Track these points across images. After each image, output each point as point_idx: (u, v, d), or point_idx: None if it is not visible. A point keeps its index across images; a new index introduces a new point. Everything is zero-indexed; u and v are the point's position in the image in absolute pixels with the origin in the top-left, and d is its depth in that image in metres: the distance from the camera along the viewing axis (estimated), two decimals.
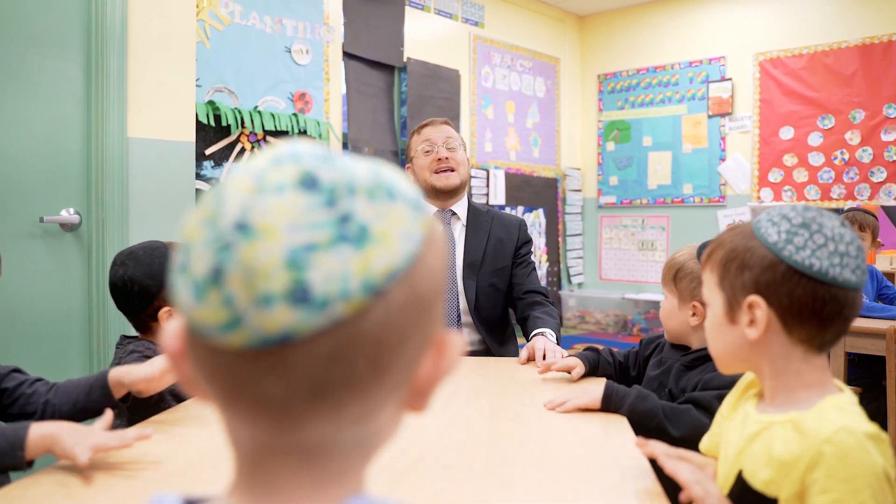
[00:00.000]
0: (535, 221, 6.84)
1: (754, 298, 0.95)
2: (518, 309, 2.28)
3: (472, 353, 2.21)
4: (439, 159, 2.26)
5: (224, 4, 4.50)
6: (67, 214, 2.44)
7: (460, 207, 2.34)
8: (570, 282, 7.33)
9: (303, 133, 4.87)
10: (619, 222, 7.21)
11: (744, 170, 6.28)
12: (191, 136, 2.68)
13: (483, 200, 6.32)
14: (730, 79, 6.36)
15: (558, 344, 2.04)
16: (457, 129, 6.00)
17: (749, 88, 6.27)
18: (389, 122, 5.58)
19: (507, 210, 6.52)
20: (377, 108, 5.48)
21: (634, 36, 7.04)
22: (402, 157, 5.56)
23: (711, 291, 1.03)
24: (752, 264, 0.95)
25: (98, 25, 2.45)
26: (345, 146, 5.25)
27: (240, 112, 4.49)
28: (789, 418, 0.94)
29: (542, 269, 6.90)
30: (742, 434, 1.01)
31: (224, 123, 4.40)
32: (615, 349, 1.87)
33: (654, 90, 6.87)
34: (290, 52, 4.85)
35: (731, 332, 1.00)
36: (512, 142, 6.70)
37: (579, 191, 7.37)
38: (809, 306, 0.92)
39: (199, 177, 4.33)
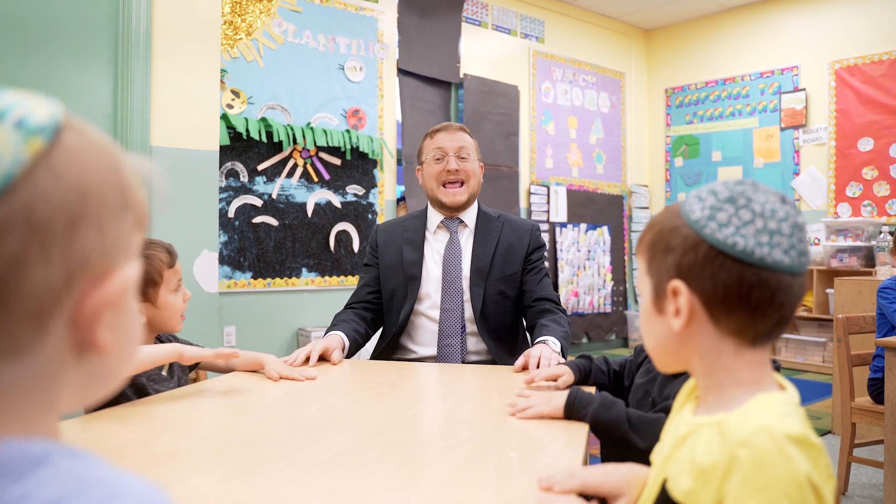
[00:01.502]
0: (600, 239, 6.68)
1: (676, 284, 0.83)
2: (528, 317, 2.18)
3: (477, 364, 2.12)
4: (448, 171, 2.18)
5: (277, 24, 4.60)
6: None
7: (468, 215, 2.25)
8: (636, 302, 7.09)
9: (355, 149, 4.90)
10: None
11: (819, 184, 5.93)
12: (215, 145, 2.70)
13: (543, 217, 6.22)
14: (803, 89, 6.05)
15: (563, 355, 1.93)
16: (515, 145, 6.03)
17: (824, 98, 5.94)
18: None
19: (570, 228, 6.39)
20: (432, 124, 5.45)
21: (703, 48, 6.81)
22: None
23: (641, 279, 0.92)
24: (674, 245, 0.84)
25: (123, 36, 2.51)
26: (399, 162, 5.25)
27: (292, 129, 4.57)
28: (716, 420, 0.82)
29: (607, 289, 6.72)
30: (672, 438, 0.89)
31: (276, 140, 4.49)
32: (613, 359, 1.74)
33: (723, 103, 6.62)
34: (343, 69, 4.92)
35: (659, 323, 0.88)
36: (574, 158, 6.58)
37: (646, 208, 7.15)
38: (735, 291, 0.80)
39: (251, 192, 4.42)
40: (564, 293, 6.30)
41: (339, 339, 2.00)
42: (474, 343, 2.15)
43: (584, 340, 6.54)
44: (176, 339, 1.78)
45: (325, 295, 4.72)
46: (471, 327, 2.14)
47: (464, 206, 2.22)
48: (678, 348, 0.88)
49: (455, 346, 2.11)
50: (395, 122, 5.25)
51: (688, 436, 0.85)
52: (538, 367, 1.74)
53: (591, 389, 1.59)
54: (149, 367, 1.49)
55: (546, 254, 2.32)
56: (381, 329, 2.31)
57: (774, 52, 6.27)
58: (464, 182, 2.21)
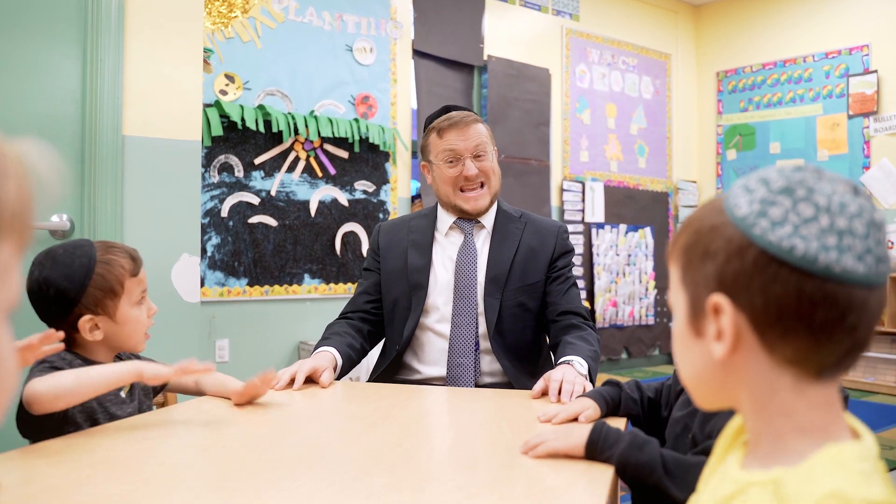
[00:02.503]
0: (641, 242, 6.55)
1: (717, 299, 0.72)
2: (551, 333, 2.08)
3: (491, 386, 2.02)
4: (467, 178, 2.08)
5: (278, 0, 4.53)
6: (58, 220, 2.43)
7: (486, 215, 2.16)
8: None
9: (364, 140, 4.82)
10: None
11: (893, 179, 5.74)
12: (196, 134, 2.63)
13: (578, 217, 6.10)
14: (874, 71, 5.87)
15: (591, 379, 1.82)
16: (546, 136, 5.91)
17: None
18: None
19: (608, 229, 6.26)
20: None
21: (759, 25, 6.66)
22: None
23: (674, 291, 0.81)
24: (715, 249, 0.73)
25: (92, 10, 2.44)
26: (414, 155, 5.16)
27: (293, 117, 4.50)
28: (771, 478, 0.70)
29: (649, 298, 6.58)
30: (714, 498, 0.77)
31: (275, 130, 4.42)
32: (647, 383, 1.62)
33: (783, 88, 6.45)
34: (351, 50, 4.85)
35: (696, 348, 0.77)
36: (613, 150, 6.46)
37: (694, 207, 6.97)
38: (793, 309, 0.69)
39: (246, 188, 4.35)
40: (601, 303, 6.17)
41: (330, 357, 1.92)
42: (489, 363, 2.05)
43: (624, 356, 6.42)
44: (138, 359, 1.69)
45: (329, 304, 4.65)
46: (485, 344, 2.05)
47: (485, 211, 2.14)
48: (721, 381, 0.77)
49: (467, 367, 2.02)
50: (409, 109, 5.17)
51: (734, 496, 0.74)
52: (560, 392, 1.64)
53: (621, 422, 1.48)
54: (101, 391, 1.41)
55: (574, 260, 2.20)
56: (380, 344, 2.24)
57: (841, 29, 6.09)
58: (484, 183, 2.11)
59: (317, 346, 1.99)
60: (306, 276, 4.61)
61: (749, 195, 0.72)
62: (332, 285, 4.71)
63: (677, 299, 0.80)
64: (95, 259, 1.53)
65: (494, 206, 2.19)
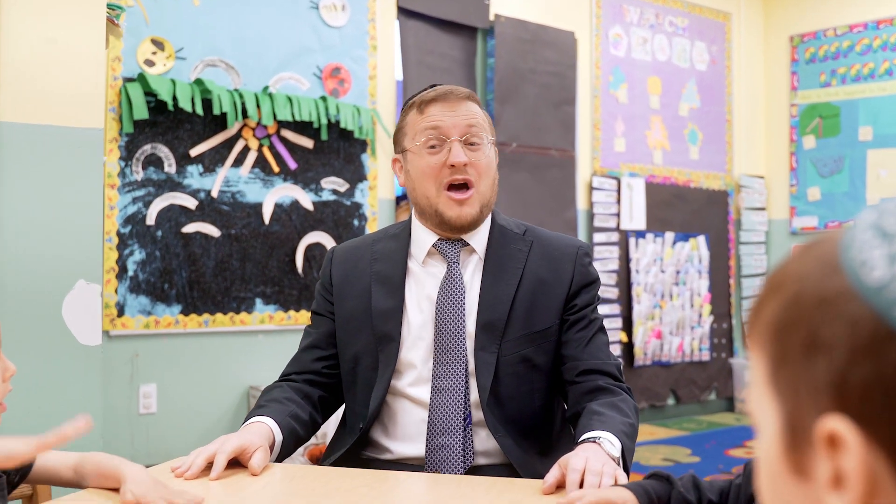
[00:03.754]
0: (693, 255, 6.48)
1: (835, 425, 0.55)
2: (570, 399, 1.95)
3: (487, 470, 1.90)
4: (453, 165, 1.93)
5: None
6: None
7: (476, 234, 2.02)
8: (746, 346, 6.85)
9: (335, 125, 4.71)
10: None
11: None
12: (97, 119, 2.54)
13: (612, 224, 6.04)
14: None
15: (626, 464, 1.70)
16: (571, 118, 5.81)
17: None
18: None
19: (650, 238, 6.18)
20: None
21: None
22: None
23: (759, 395, 0.66)
24: (830, 338, 0.57)
25: None
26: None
27: (241, 95, 4.43)
28: None
29: (703, 327, 6.51)
30: None
31: (217, 112, 4.34)
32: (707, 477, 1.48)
33: (875, 56, 6.39)
34: (317, 8, 4.78)
35: (797, 491, 0.62)
36: (657, 137, 6.41)
37: (762, 209, 6.96)
38: None
39: (180, 187, 4.24)
40: (641, 334, 6.10)
41: (265, 430, 1.78)
42: (484, 440, 1.93)
43: (671, 401, 6.36)
44: None
45: (288, 338, 4.54)
46: (478, 415, 1.93)
47: (474, 224, 1.98)
48: None
49: (454, 447, 1.89)
50: (393, 85, 5.11)
51: None
52: (582, 485, 1.49)
53: None
54: None
55: (600, 293, 2.07)
56: (337, 412, 2.12)
57: None
58: (472, 185, 1.95)
59: (248, 417, 1.86)
60: (258, 301, 4.55)
61: (888, 245, 0.55)
62: (291, 313, 4.64)
63: (763, 410, 0.64)
64: None
65: (488, 222, 2.05)
